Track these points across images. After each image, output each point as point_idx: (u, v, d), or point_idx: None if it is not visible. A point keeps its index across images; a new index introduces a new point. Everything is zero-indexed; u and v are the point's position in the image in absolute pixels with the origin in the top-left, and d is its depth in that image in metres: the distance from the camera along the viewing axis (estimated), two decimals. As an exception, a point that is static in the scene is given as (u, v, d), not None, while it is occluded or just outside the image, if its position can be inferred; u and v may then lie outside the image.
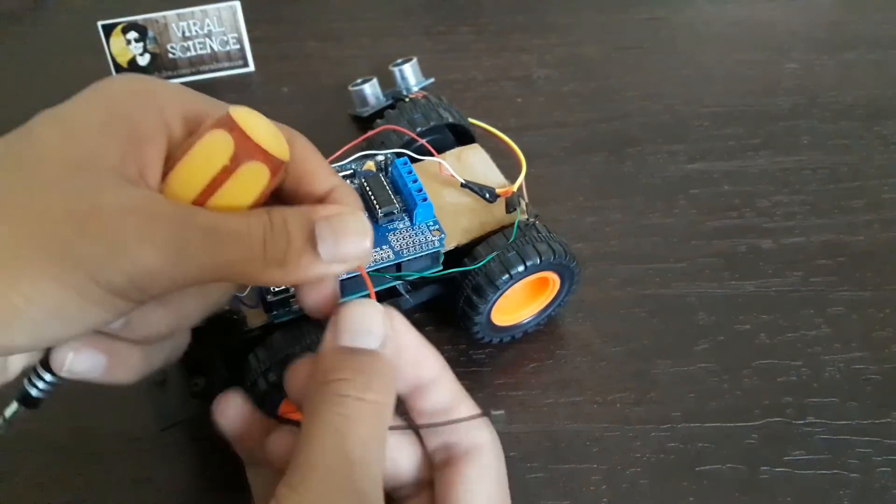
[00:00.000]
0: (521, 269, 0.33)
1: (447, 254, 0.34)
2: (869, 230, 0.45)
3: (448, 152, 0.39)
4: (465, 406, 0.24)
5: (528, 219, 0.35)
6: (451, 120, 0.39)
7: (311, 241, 0.21)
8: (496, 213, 0.36)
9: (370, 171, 0.34)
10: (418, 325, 0.38)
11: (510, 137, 0.38)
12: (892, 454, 0.35)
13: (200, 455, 0.34)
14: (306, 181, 0.23)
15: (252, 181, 0.21)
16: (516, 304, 0.38)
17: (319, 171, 0.24)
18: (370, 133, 0.38)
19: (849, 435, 0.35)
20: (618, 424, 0.36)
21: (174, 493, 0.33)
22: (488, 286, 0.33)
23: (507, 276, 0.33)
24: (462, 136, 0.41)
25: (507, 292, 0.34)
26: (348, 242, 0.21)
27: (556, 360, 0.38)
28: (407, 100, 0.41)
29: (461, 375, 0.37)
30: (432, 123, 0.38)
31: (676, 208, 0.46)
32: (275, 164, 0.21)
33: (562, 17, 0.61)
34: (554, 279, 0.36)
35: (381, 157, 0.35)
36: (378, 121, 0.39)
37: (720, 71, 0.56)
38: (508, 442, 0.35)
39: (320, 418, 0.21)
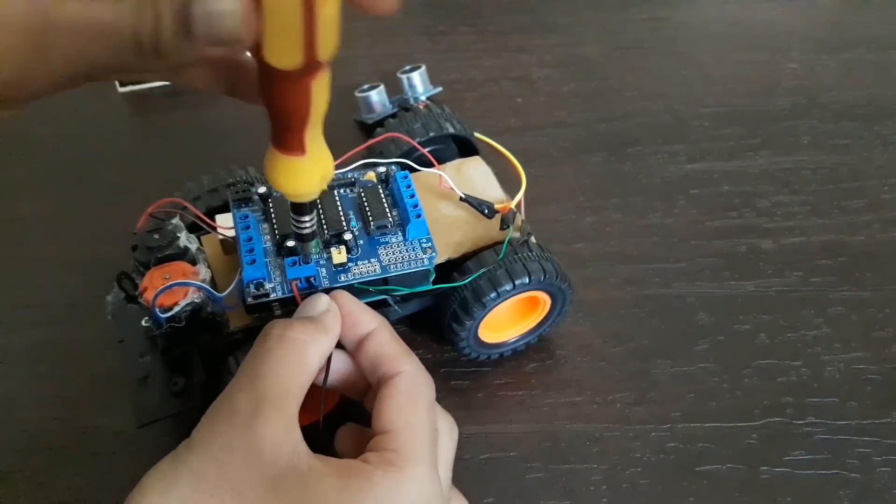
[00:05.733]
0: (509, 287, 0.33)
1: (438, 266, 0.34)
2: (869, 230, 0.45)
3: (448, 164, 0.38)
4: (395, 349, 0.28)
5: (520, 238, 0.35)
6: (452, 131, 0.39)
7: (184, 24, 0.19)
8: (491, 229, 0.35)
9: (370, 181, 0.34)
10: (415, 329, 0.39)
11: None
12: (892, 454, 0.35)
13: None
14: None
15: None
16: (505, 322, 0.37)
17: None
18: (371, 141, 0.38)
19: (849, 435, 0.35)
20: (618, 424, 0.36)
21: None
22: (475, 303, 0.33)
23: (494, 293, 0.33)
24: (465, 146, 0.40)
25: (495, 309, 0.34)
26: (223, 20, 0.19)
27: (556, 360, 0.38)
28: (411, 108, 0.40)
29: (461, 376, 0.38)
30: (431, 134, 0.38)
31: (676, 208, 0.46)
32: None
33: (562, 17, 0.61)
34: (545, 299, 0.36)
35: (382, 169, 0.34)
36: (378, 129, 0.39)
37: (720, 71, 0.56)
38: (508, 442, 0.35)
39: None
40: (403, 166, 0.35)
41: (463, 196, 0.35)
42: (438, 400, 0.28)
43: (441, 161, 0.38)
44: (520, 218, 0.36)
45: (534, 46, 0.58)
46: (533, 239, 0.35)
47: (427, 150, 0.37)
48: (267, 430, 0.23)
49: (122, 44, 0.19)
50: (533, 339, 0.38)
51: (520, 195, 0.36)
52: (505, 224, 0.35)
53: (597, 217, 0.45)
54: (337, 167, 0.34)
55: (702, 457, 0.35)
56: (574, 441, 0.35)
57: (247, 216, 0.31)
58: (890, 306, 0.41)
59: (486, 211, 0.35)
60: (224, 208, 0.34)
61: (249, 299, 0.29)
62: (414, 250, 0.32)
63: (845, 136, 0.51)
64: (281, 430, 0.23)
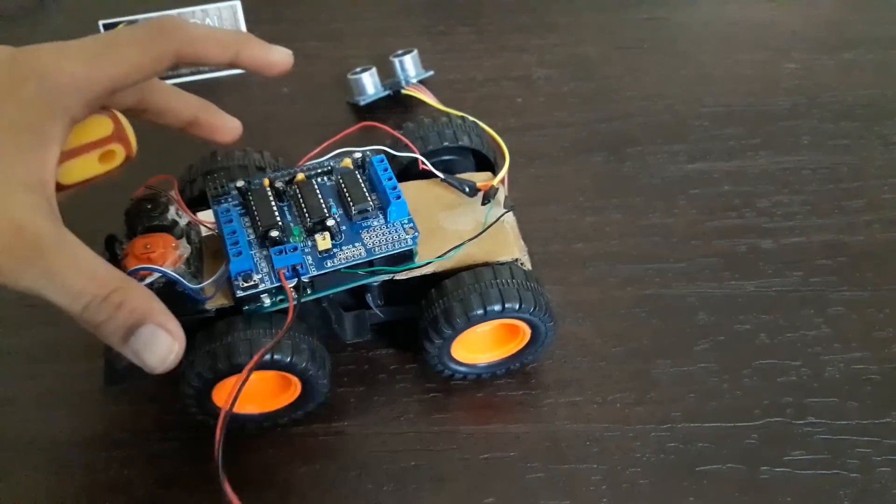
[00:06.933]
0: (480, 312, 0.31)
1: (427, 278, 0.33)
2: (869, 230, 0.45)
3: (457, 175, 0.37)
4: None
5: (507, 205, 0.35)
6: (467, 143, 0.37)
7: (127, 333, 0.25)
8: (485, 246, 0.34)
9: (347, 167, 0.34)
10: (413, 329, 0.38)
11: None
12: (892, 454, 0.35)
13: (198, 456, 0.34)
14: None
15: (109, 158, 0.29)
16: (482, 345, 0.36)
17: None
18: (348, 130, 0.37)
19: (849, 435, 0.35)
20: (618, 424, 0.36)
21: (170, 493, 0.33)
22: (445, 324, 0.32)
23: (464, 318, 0.31)
24: (483, 163, 0.39)
25: (471, 331, 0.33)
26: (153, 355, 0.25)
27: (556, 360, 0.38)
28: (431, 116, 0.40)
29: (461, 375, 0.37)
30: (445, 143, 0.37)
31: (676, 208, 0.46)
32: (129, 152, 0.30)
33: (562, 17, 0.61)
34: (525, 329, 0.34)
35: (358, 155, 0.34)
36: (385, 143, 0.39)
37: (720, 71, 0.56)
38: (508, 442, 0.35)
39: None
40: (379, 152, 0.35)
41: (443, 177, 0.36)
42: (437, 399, 0.27)
43: (455, 173, 0.37)
44: (503, 192, 0.36)
45: (534, 46, 0.58)
46: (528, 265, 0.34)
47: (442, 158, 0.37)
48: None
49: (69, 306, 0.24)
50: (514, 367, 0.37)
51: (504, 171, 0.36)
52: (486, 199, 0.35)
53: (597, 217, 0.45)
54: (317, 156, 0.35)
55: (702, 457, 0.35)
56: (574, 441, 0.35)
57: (229, 210, 0.32)
58: (890, 306, 0.41)
59: (468, 189, 0.35)
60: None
61: (239, 292, 0.29)
62: (396, 231, 0.32)
63: (845, 136, 0.51)
64: None
